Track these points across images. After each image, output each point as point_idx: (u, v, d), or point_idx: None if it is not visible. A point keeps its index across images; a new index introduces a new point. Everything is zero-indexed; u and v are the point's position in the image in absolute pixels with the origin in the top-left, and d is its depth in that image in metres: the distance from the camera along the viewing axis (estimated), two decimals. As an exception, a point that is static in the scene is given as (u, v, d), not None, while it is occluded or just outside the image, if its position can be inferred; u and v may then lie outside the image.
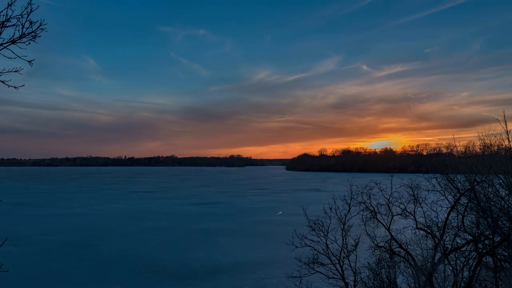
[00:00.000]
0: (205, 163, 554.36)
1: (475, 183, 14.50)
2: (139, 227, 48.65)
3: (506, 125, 13.74)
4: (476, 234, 14.87)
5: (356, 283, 15.62)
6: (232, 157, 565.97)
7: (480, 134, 15.93)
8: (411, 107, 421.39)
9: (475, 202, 14.42)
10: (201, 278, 27.37)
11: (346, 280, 15.67)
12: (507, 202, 13.66)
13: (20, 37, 5.31)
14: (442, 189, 15.86)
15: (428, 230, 15.68)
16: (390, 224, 16.20)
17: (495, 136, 15.04)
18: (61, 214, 61.51)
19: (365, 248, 16.73)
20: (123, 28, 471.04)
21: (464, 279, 14.86)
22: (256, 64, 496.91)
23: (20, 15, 5.21)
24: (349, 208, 16.54)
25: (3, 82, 5.54)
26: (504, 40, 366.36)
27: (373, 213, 16.47)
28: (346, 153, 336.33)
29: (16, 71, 5.57)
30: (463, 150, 22.45)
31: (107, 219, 55.91)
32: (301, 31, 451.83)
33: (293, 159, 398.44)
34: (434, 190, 16.13)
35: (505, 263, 14.25)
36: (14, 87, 5.75)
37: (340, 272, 15.72)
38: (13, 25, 5.23)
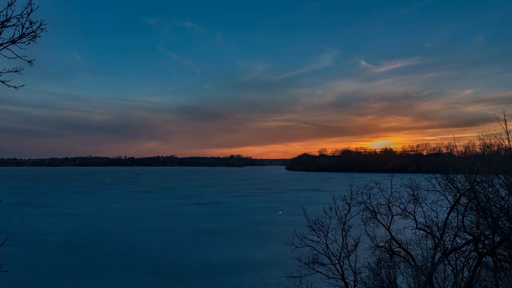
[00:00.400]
0: (205, 163, 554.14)
1: (475, 183, 14.50)
2: (139, 227, 48.66)
3: (506, 125, 13.75)
4: (476, 234, 14.87)
5: (356, 283, 15.61)
6: (232, 157, 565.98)
7: (480, 134, 15.94)
8: (412, 105, 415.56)
9: (475, 202, 14.42)
10: (201, 278, 27.37)
11: (346, 280, 15.66)
12: (507, 202, 13.65)
13: (20, 37, 5.31)
14: (442, 189, 15.86)
15: (428, 230, 15.68)
16: (390, 224, 16.20)
17: (495, 136, 15.05)
18: (61, 214, 61.51)
19: (365, 248, 16.72)
20: (106, 21, 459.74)
21: (464, 279, 14.86)
22: (249, 59, 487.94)
23: (20, 15, 5.21)
24: (349, 208, 16.53)
25: (3, 82, 5.54)
26: (509, 33, 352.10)
27: (373, 213, 16.46)
28: (346, 153, 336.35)
29: (16, 71, 5.57)
30: (463, 150, 22.47)
31: (107, 219, 55.91)
32: (294, 23, 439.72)
33: (293, 159, 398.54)
34: (434, 190, 16.13)
35: (505, 263, 14.25)
36: (14, 87, 5.75)
37: (340, 272, 15.71)
38: (13, 25, 5.23)
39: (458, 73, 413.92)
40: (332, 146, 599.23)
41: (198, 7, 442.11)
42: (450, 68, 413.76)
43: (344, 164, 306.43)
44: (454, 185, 15.45)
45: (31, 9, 5.24)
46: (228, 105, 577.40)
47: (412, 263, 15.22)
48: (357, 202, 16.66)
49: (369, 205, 16.57)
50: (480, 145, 16.53)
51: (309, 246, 16.31)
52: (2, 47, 5.27)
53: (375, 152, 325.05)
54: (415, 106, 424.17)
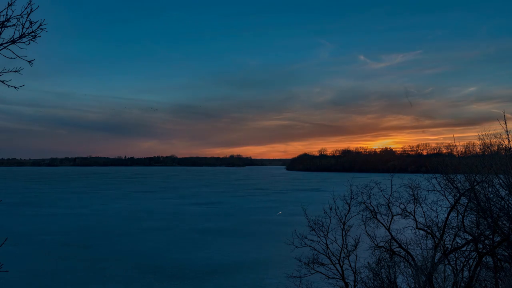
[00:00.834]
0: (205, 163, 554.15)
1: (475, 183, 14.49)
2: (139, 227, 48.66)
3: (506, 125, 13.75)
4: (476, 234, 14.86)
5: (356, 283, 15.61)
6: (232, 157, 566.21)
7: (480, 134, 15.94)
8: (413, 104, 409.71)
9: (475, 202, 14.42)
10: (201, 278, 27.37)
11: (346, 280, 15.66)
12: (507, 202, 13.65)
13: (20, 37, 5.31)
14: (442, 189, 15.85)
15: (428, 230, 15.68)
16: (390, 224, 16.19)
17: (495, 136, 15.04)
18: (61, 214, 61.51)
19: (365, 248, 16.71)
20: (95, 18, 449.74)
21: (464, 279, 14.86)
22: (242, 54, 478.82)
23: (20, 15, 5.21)
24: (349, 208, 16.53)
25: (3, 82, 5.54)
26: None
27: (373, 213, 16.46)
28: (346, 153, 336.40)
29: (16, 71, 5.57)
30: (463, 150, 22.49)
31: (107, 219, 55.92)
32: (286, 15, 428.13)
33: (293, 159, 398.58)
34: (434, 190, 16.13)
35: (505, 263, 14.24)
36: (14, 87, 5.75)
37: (340, 272, 15.71)
38: (13, 25, 5.22)
39: (461, 69, 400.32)
40: (332, 145, 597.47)
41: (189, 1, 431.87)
42: (453, 63, 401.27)
43: (344, 164, 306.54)
44: (454, 185, 15.44)
45: (31, 9, 5.24)
46: (224, 103, 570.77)
47: (412, 263, 15.22)
48: (357, 202, 16.66)
49: (369, 205, 16.57)
50: (480, 145, 16.53)
51: (309, 246, 16.30)
52: (2, 47, 5.26)
53: (375, 152, 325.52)
54: (417, 105, 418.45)
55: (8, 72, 5.49)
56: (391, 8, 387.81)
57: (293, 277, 16.05)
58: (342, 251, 15.95)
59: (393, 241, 15.97)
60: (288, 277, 16.60)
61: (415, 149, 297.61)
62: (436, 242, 15.11)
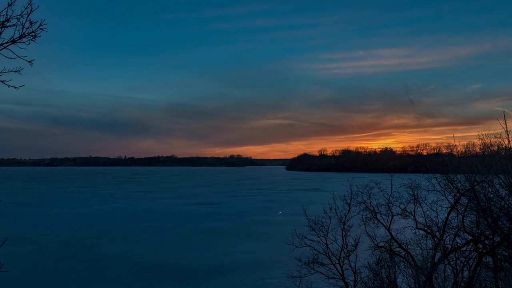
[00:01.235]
0: (205, 163, 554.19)
1: (475, 183, 14.49)
2: (139, 227, 48.66)
3: (506, 125, 13.75)
4: (476, 234, 14.86)
5: (356, 283, 15.61)
6: (232, 157, 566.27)
7: (480, 134, 15.94)
8: (414, 102, 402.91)
9: (475, 202, 14.42)
10: (201, 278, 27.36)
11: (346, 280, 15.66)
12: (507, 202, 13.65)
13: (20, 37, 5.31)
14: (442, 189, 15.85)
15: (428, 230, 15.68)
16: (390, 224, 16.20)
17: (495, 136, 15.04)
18: (61, 214, 61.51)
19: (365, 248, 16.72)
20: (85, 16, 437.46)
21: (464, 279, 14.86)
22: (234, 48, 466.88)
23: (20, 15, 5.21)
24: (349, 208, 16.53)
25: (3, 82, 5.54)
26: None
27: (373, 213, 16.46)
28: (346, 153, 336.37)
29: (16, 71, 5.58)
30: (463, 150, 22.49)
31: (107, 219, 55.92)
32: (285, 13, 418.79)
33: (293, 159, 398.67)
34: (434, 190, 16.12)
35: (505, 263, 14.24)
36: (14, 87, 5.76)
37: (340, 272, 15.71)
38: (13, 25, 5.23)
39: (465, 64, 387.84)
40: (333, 145, 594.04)
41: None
42: (456, 58, 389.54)
43: (344, 164, 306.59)
44: (454, 185, 15.44)
45: (31, 9, 5.24)
46: (220, 101, 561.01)
47: (412, 263, 15.22)
48: (357, 202, 16.66)
49: (369, 205, 16.57)
50: (480, 145, 16.54)
51: (309, 246, 16.31)
52: (2, 47, 5.27)
53: (375, 152, 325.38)
54: (418, 103, 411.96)
55: (8, 72, 5.49)
56: (390, 3, 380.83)
57: (293, 277, 16.05)
58: (342, 251, 15.95)
59: (393, 241, 15.97)
60: (288, 277, 16.61)
61: (415, 149, 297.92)
62: (436, 242, 15.12)
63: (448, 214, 15.36)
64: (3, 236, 39.21)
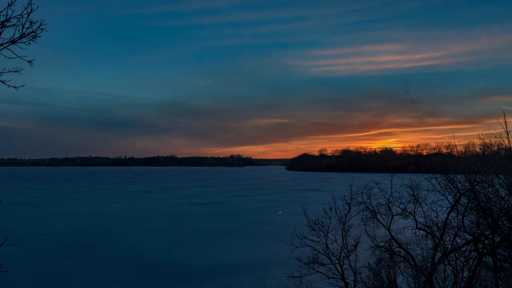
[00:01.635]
0: (205, 163, 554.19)
1: (475, 183, 14.49)
2: (139, 227, 48.65)
3: (506, 125, 13.75)
4: (476, 234, 14.86)
5: (356, 283, 15.62)
6: (232, 157, 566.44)
7: (480, 134, 15.95)
8: (414, 100, 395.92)
9: (475, 202, 14.42)
10: (201, 278, 27.37)
11: (346, 280, 15.66)
12: (507, 202, 13.66)
13: (20, 37, 5.31)
14: (442, 189, 15.85)
15: (428, 230, 15.68)
16: (390, 224, 16.20)
17: (495, 136, 15.04)
18: (61, 214, 61.51)
19: (365, 248, 16.72)
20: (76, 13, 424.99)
21: (464, 279, 14.86)
22: (227, 43, 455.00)
23: (20, 15, 5.21)
24: (349, 208, 16.53)
25: (3, 82, 5.54)
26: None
27: (373, 213, 16.46)
28: (346, 153, 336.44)
29: (16, 71, 5.58)
30: (463, 150, 22.50)
31: (107, 219, 55.92)
32: (282, 9, 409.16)
33: (293, 159, 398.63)
34: (434, 190, 16.12)
35: (505, 263, 14.25)
36: (14, 87, 5.76)
37: (340, 272, 15.71)
38: (13, 25, 5.23)
39: (469, 59, 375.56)
40: (333, 144, 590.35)
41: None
42: (459, 53, 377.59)
43: (344, 164, 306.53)
44: (454, 185, 15.44)
45: (31, 9, 5.25)
46: (214, 99, 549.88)
47: (412, 263, 15.22)
48: (357, 202, 16.66)
49: (369, 205, 16.57)
50: (480, 145, 16.54)
51: (309, 246, 16.31)
52: (2, 47, 5.27)
53: (375, 152, 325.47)
54: (419, 102, 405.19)
55: (8, 72, 5.49)
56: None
57: (293, 277, 16.05)
58: (342, 251, 15.96)
59: (393, 241, 15.97)
60: (288, 277, 16.61)
61: (415, 149, 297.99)
62: (436, 242, 15.11)
63: (448, 214, 15.36)
64: (3, 236, 39.27)
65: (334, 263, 15.79)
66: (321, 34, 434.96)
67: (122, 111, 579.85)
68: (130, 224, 51.14)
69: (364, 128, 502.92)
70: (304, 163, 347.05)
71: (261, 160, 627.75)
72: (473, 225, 15.28)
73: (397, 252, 15.94)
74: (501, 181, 13.86)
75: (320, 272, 15.91)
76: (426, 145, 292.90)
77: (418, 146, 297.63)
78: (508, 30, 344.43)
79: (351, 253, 16.01)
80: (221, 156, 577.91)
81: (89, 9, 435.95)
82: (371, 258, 16.31)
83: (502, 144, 14.52)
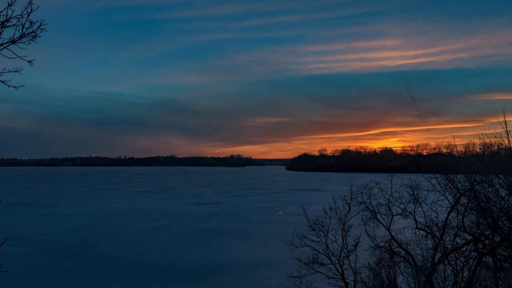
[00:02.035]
0: (205, 163, 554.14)
1: (475, 183, 14.49)
2: (139, 227, 48.65)
3: (506, 125, 13.75)
4: (476, 234, 14.87)
5: (356, 283, 15.62)
6: (232, 157, 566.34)
7: (480, 133, 15.94)
8: (415, 98, 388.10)
9: (475, 202, 14.42)
10: (201, 278, 27.36)
11: (346, 280, 15.67)
12: (507, 202, 13.65)
13: (20, 37, 5.31)
14: (442, 189, 15.86)
15: (428, 230, 15.68)
16: (390, 224, 16.20)
17: (495, 136, 15.03)
18: (61, 214, 61.51)
19: (365, 248, 16.72)
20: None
21: (464, 279, 14.86)
22: (213, 37, 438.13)
23: (20, 15, 5.21)
24: (349, 208, 16.54)
25: (3, 82, 5.54)
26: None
27: (373, 213, 16.47)
28: (346, 153, 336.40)
29: (16, 71, 5.58)
30: (463, 150, 22.50)
31: (107, 219, 55.92)
32: (279, 4, 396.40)
33: (293, 159, 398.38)
34: (434, 190, 16.13)
35: (505, 263, 14.24)
36: (14, 87, 5.76)
37: (340, 272, 15.72)
38: (13, 25, 5.23)
39: (473, 54, 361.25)
40: (334, 144, 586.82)
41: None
42: (462, 48, 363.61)
43: (344, 164, 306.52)
44: (454, 185, 15.44)
45: (31, 9, 5.25)
46: (210, 98, 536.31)
47: (412, 263, 15.22)
48: (357, 202, 16.68)
49: (369, 205, 16.58)
50: (480, 145, 16.53)
51: (309, 246, 16.32)
52: (2, 47, 5.27)
53: (375, 152, 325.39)
54: (421, 100, 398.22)
55: (8, 72, 5.50)
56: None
57: (293, 277, 16.06)
58: (342, 251, 15.96)
59: (393, 241, 15.98)
60: (288, 277, 16.61)
61: (415, 149, 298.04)
62: (436, 242, 15.12)
63: (448, 214, 15.36)
64: (3, 236, 39.28)
65: (334, 263, 15.80)
66: (310, 29, 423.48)
67: (114, 109, 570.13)
68: (130, 224, 51.12)
69: (364, 127, 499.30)
70: (304, 163, 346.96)
71: (261, 160, 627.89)
72: (473, 225, 15.28)
73: (397, 252, 15.95)
74: (501, 181, 13.85)
75: (320, 272, 15.91)
76: (426, 145, 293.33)
77: (418, 146, 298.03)
78: (505, 25, 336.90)
79: (351, 253, 16.02)
80: (221, 156, 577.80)
81: (71, 2, 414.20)
82: (371, 258, 16.31)
83: (502, 144, 14.52)
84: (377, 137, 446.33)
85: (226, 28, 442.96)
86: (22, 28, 5.28)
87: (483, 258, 14.63)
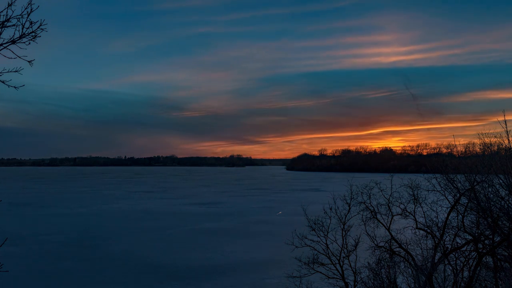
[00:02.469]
0: (205, 163, 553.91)
1: (475, 183, 14.49)
2: (139, 227, 48.65)
3: (506, 125, 13.75)
4: (476, 234, 14.86)
5: (356, 283, 15.62)
6: (232, 157, 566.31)
7: (480, 133, 15.93)
8: (416, 96, 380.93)
9: (475, 202, 14.42)
10: (201, 278, 27.36)
11: (346, 280, 15.67)
12: (507, 202, 13.65)
13: (20, 37, 5.31)
14: (442, 189, 15.84)
15: (428, 230, 15.68)
16: (390, 224, 16.19)
17: (495, 136, 15.03)
18: (61, 214, 61.50)
19: (365, 248, 16.72)
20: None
21: (464, 279, 14.86)
22: (197, 31, 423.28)
23: (20, 15, 5.21)
24: (349, 208, 16.54)
25: (3, 82, 5.54)
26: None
27: (373, 213, 16.46)
28: (346, 153, 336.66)
29: (16, 71, 5.58)
30: (463, 150, 22.49)
31: (107, 219, 55.92)
32: None
33: (293, 159, 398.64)
34: (434, 190, 16.12)
35: (505, 263, 14.24)
36: (14, 87, 5.76)
37: (340, 272, 15.72)
38: (13, 25, 5.23)
39: (475, 49, 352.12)
40: (334, 144, 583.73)
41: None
42: (465, 43, 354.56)
43: (344, 164, 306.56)
44: (454, 185, 15.43)
45: (31, 9, 5.25)
46: (204, 96, 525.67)
47: (412, 263, 15.22)
48: (357, 202, 16.67)
49: (369, 205, 16.57)
50: (480, 145, 16.52)
51: (309, 246, 16.32)
52: (2, 47, 5.27)
53: (375, 152, 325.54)
54: (421, 98, 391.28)
55: (8, 72, 5.50)
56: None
57: (293, 277, 16.05)
58: (342, 251, 15.96)
59: (393, 241, 15.97)
60: (288, 277, 16.60)
61: (415, 149, 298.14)
62: (436, 242, 15.11)
63: (448, 214, 15.35)
64: (3, 236, 39.27)
65: (334, 263, 15.80)
66: (297, 23, 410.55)
67: (108, 108, 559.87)
68: (130, 224, 51.13)
69: (364, 126, 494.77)
70: (304, 163, 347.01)
71: (261, 160, 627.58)
72: (473, 225, 15.27)
73: (397, 252, 15.94)
74: (501, 181, 13.85)
75: (320, 272, 15.91)
76: (426, 145, 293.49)
77: (418, 146, 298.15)
78: (507, 22, 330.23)
79: (351, 253, 16.02)
80: (221, 156, 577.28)
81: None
82: (371, 258, 16.30)
83: (502, 144, 14.52)
84: (377, 136, 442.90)
85: (211, 21, 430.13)
86: (22, 28, 5.28)
87: (483, 258, 14.62)
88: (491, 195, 14.21)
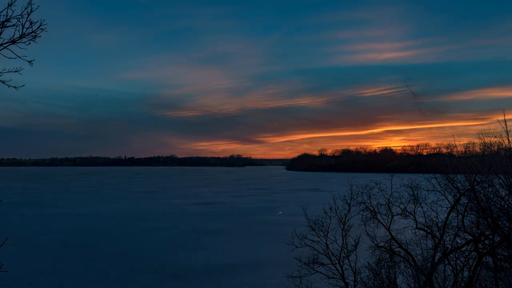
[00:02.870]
0: (205, 163, 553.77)
1: (475, 183, 14.48)
2: (139, 227, 48.65)
3: (506, 125, 13.74)
4: (476, 234, 14.85)
5: (356, 283, 15.61)
6: (232, 157, 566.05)
7: (480, 133, 15.93)
8: (416, 96, 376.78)
9: (475, 202, 14.41)
10: (201, 278, 27.37)
11: (346, 280, 15.66)
12: (507, 202, 13.65)
13: (20, 37, 5.31)
14: (442, 189, 15.83)
15: (428, 230, 15.67)
16: (390, 224, 16.19)
17: (495, 136, 15.02)
18: (61, 214, 61.51)
19: (365, 248, 16.71)
20: None
21: (464, 279, 14.86)
22: (181, 24, 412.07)
23: (20, 15, 5.21)
24: (349, 208, 16.53)
25: (3, 82, 5.54)
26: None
27: (373, 213, 16.45)
28: (346, 153, 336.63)
29: (16, 71, 5.58)
30: (463, 150, 22.49)
31: (107, 219, 55.92)
32: None
33: (293, 159, 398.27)
34: (434, 190, 16.10)
35: (505, 263, 14.24)
36: (14, 87, 5.76)
37: (340, 272, 15.71)
38: (13, 25, 5.23)
39: (476, 47, 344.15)
40: (334, 143, 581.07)
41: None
42: (466, 40, 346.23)
43: (344, 164, 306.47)
44: (454, 185, 15.42)
45: (31, 9, 5.25)
46: (200, 92, 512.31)
47: (412, 263, 15.21)
48: (357, 202, 16.65)
49: (369, 205, 16.56)
50: (480, 145, 16.52)
51: (309, 246, 16.31)
52: (2, 47, 5.27)
53: (375, 152, 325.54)
54: (421, 97, 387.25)
55: (8, 72, 5.50)
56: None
57: (293, 277, 16.05)
58: (342, 251, 15.96)
59: (393, 241, 15.96)
60: (288, 277, 16.60)
61: (415, 149, 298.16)
62: (436, 242, 15.11)
63: (448, 214, 15.35)
64: (3, 236, 39.19)
65: (334, 263, 15.79)
66: (285, 17, 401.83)
67: (101, 106, 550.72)
68: (130, 224, 51.13)
69: (364, 125, 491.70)
70: (304, 163, 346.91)
71: (261, 160, 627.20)
72: (473, 225, 15.27)
73: (397, 252, 15.93)
74: (501, 181, 13.84)
75: (320, 272, 15.91)
76: (426, 145, 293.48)
77: (418, 146, 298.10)
78: (507, 20, 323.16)
79: (351, 253, 16.01)
80: (221, 156, 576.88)
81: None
82: (371, 258, 16.30)
83: (502, 144, 14.51)
84: (378, 136, 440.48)
85: (194, 14, 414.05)
86: (22, 28, 5.28)
87: (483, 258, 14.61)
88: (491, 195, 14.21)
